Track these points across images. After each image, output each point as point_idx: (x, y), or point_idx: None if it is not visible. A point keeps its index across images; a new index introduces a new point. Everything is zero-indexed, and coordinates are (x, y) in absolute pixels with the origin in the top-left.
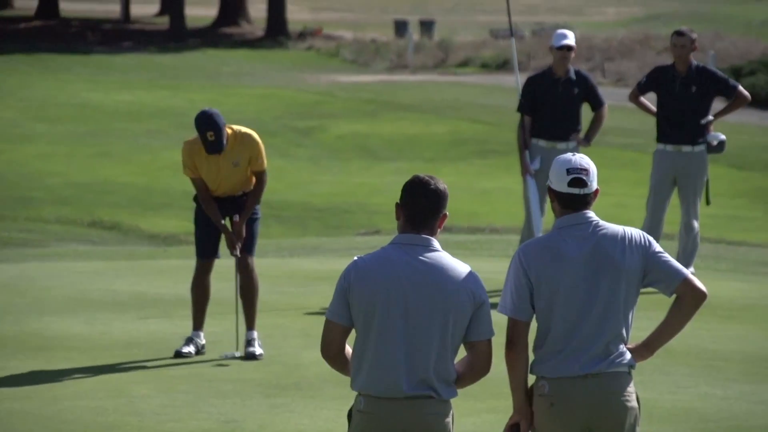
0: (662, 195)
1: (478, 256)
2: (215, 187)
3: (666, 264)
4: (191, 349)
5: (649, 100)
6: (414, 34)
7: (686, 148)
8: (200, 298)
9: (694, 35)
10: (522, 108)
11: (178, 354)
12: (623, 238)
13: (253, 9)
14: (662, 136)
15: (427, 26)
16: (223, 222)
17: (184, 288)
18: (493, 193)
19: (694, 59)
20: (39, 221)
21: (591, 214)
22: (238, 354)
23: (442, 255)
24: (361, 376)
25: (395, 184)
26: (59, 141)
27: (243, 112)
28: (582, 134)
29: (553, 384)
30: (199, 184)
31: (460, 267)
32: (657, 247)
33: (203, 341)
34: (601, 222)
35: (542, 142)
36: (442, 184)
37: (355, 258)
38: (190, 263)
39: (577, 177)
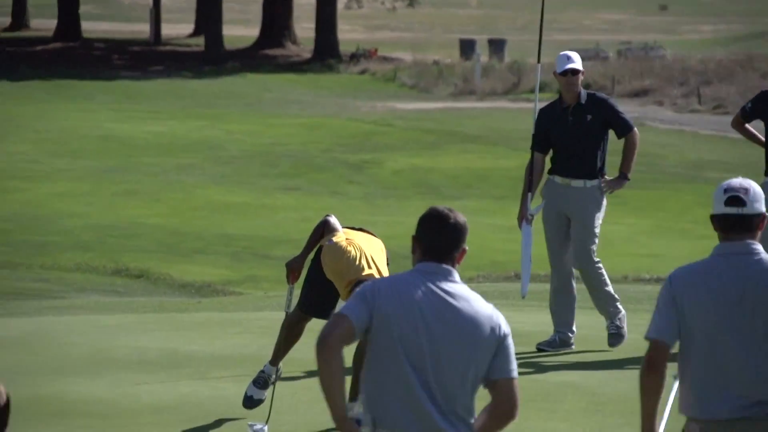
0: None
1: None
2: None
3: None
4: (263, 395)
5: (756, 128)
6: (482, 55)
7: None
8: (291, 338)
9: None
10: (533, 144)
11: (251, 403)
12: None
13: (299, 28)
14: None
15: (496, 46)
16: None
17: (221, 345)
18: None
19: None
20: (57, 269)
21: (756, 244)
22: (266, 429)
23: (463, 286)
24: (381, 406)
25: None
26: (80, 178)
27: (287, 145)
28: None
29: (705, 427)
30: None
31: (482, 300)
32: None
33: (281, 370)
34: (766, 255)
35: (557, 179)
36: (462, 218)
37: (376, 279)
38: (228, 316)
39: (735, 195)
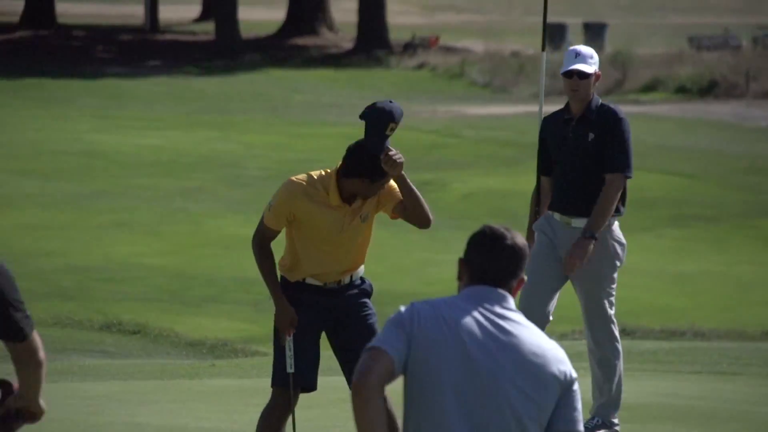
0: None
1: (674, 371)
2: (327, 257)
3: None
4: None
5: None
6: (575, 43)
7: None
8: None
9: None
10: (538, 165)
11: None
12: None
13: (337, 10)
14: None
15: (594, 32)
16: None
17: (241, 421)
18: (695, 279)
19: None
20: None
21: None
22: None
23: (520, 315)
24: None
25: None
26: (56, 206)
27: (323, 160)
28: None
29: None
30: (271, 235)
31: (546, 338)
32: None
33: None
34: None
35: (556, 216)
36: (521, 239)
37: (415, 302)
38: (249, 384)
39: None
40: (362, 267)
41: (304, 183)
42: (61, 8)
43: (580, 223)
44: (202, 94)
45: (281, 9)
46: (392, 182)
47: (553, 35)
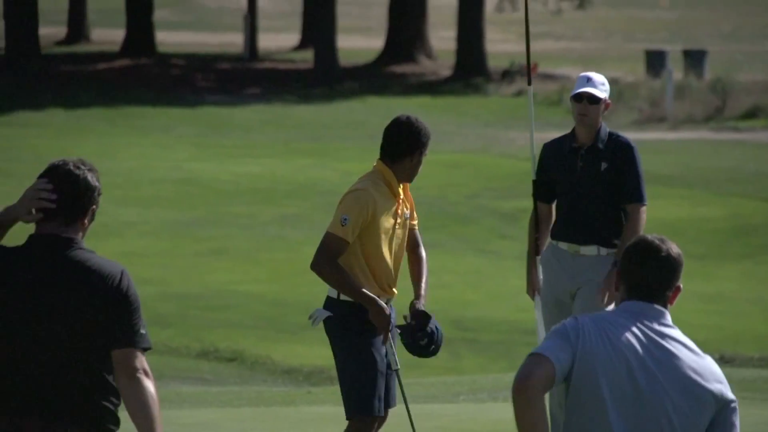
0: None
1: None
2: (388, 263)
3: None
4: None
5: None
6: (675, 70)
7: None
8: None
9: None
10: (534, 192)
11: None
12: None
13: (435, 38)
14: None
15: (695, 59)
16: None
17: None
18: None
19: None
20: None
21: None
22: None
23: (678, 332)
24: None
25: None
26: (154, 233)
27: (421, 188)
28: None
29: None
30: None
31: (700, 352)
32: None
33: None
34: None
35: (562, 245)
36: (676, 249)
37: (579, 316)
38: None
39: None
40: None
41: (368, 184)
42: (161, 37)
43: (589, 251)
44: (300, 121)
45: (380, 37)
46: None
47: (654, 62)
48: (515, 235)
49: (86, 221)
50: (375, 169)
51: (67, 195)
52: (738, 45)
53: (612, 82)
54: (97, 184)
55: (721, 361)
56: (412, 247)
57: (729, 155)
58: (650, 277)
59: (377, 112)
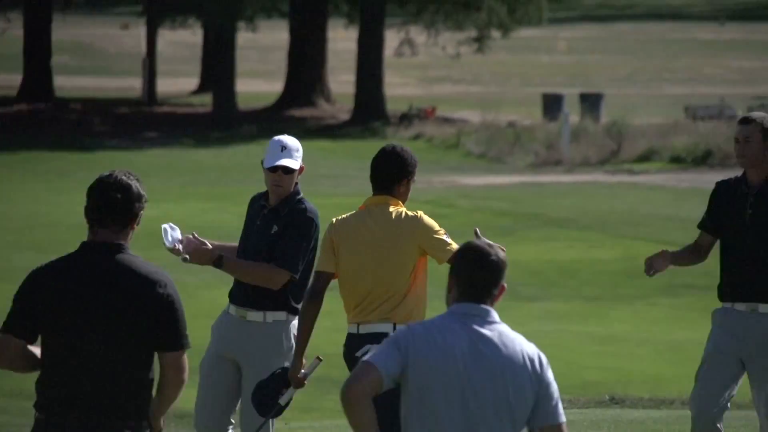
0: None
1: None
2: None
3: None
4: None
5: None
6: (572, 114)
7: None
8: None
9: None
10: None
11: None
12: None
13: (334, 82)
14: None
15: (591, 103)
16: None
17: None
18: (686, 348)
19: None
20: None
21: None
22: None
23: (504, 327)
24: None
25: (545, 335)
26: None
27: (320, 230)
28: None
29: None
30: (324, 283)
31: (525, 342)
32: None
33: None
34: None
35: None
36: (502, 253)
37: (410, 323)
38: None
39: None
40: None
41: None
42: (59, 81)
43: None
44: (198, 165)
45: (279, 81)
46: None
47: (550, 106)
48: None
49: (135, 227)
50: (387, 203)
51: (119, 203)
52: (634, 88)
53: (508, 126)
54: (143, 192)
55: (612, 402)
56: None
57: (624, 198)
58: (481, 279)
59: None
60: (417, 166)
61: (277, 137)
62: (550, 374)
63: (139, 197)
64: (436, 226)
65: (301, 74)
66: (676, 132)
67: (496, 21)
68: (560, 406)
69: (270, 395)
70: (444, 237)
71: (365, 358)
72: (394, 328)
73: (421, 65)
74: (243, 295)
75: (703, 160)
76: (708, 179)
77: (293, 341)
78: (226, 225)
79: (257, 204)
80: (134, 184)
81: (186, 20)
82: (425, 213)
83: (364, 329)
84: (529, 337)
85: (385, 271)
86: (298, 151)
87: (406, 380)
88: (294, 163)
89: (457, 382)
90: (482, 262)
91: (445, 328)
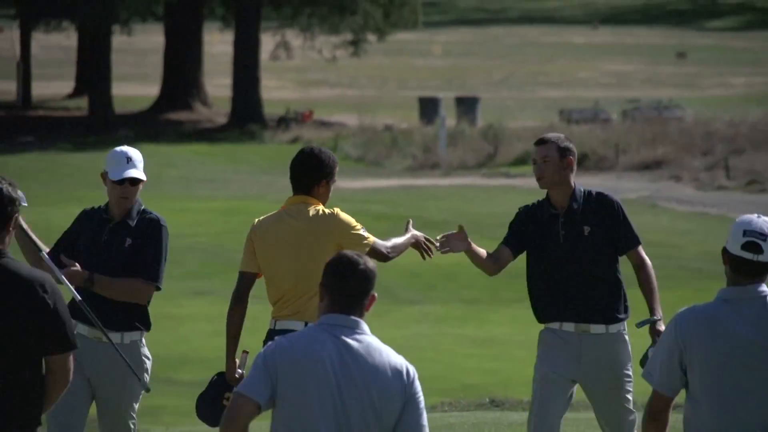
0: None
1: None
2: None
3: None
4: None
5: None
6: (448, 117)
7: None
8: None
9: (568, 142)
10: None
11: None
12: None
13: (211, 85)
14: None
15: (467, 106)
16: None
17: None
18: None
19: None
20: None
21: (762, 287)
22: None
23: (372, 340)
24: None
25: (424, 338)
26: None
27: (198, 235)
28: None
29: None
30: (248, 283)
31: (390, 353)
32: None
33: None
34: None
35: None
36: (371, 263)
37: (277, 338)
38: None
39: (753, 242)
40: None
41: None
42: None
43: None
44: (75, 169)
45: (155, 85)
46: None
47: (427, 109)
48: None
49: (11, 230)
50: (305, 203)
51: None
52: (509, 92)
53: (386, 129)
54: (16, 195)
55: (492, 404)
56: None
57: (501, 201)
58: (351, 290)
59: (153, 159)
60: (336, 167)
61: (119, 149)
62: (417, 386)
63: (11, 201)
64: (353, 222)
65: (178, 78)
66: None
67: (372, 24)
68: (424, 416)
69: (215, 403)
70: (361, 232)
71: (238, 388)
72: (305, 325)
73: (297, 69)
74: (98, 317)
75: (578, 163)
76: (584, 182)
77: (148, 357)
78: None
79: (96, 218)
80: (5, 187)
81: (60, 24)
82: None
83: (279, 325)
84: (409, 340)
85: (304, 268)
86: (141, 162)
87: (279, 396)
88: (141, 175)
89: (328, 393)
90: (351, 273)
91: (314, 339)
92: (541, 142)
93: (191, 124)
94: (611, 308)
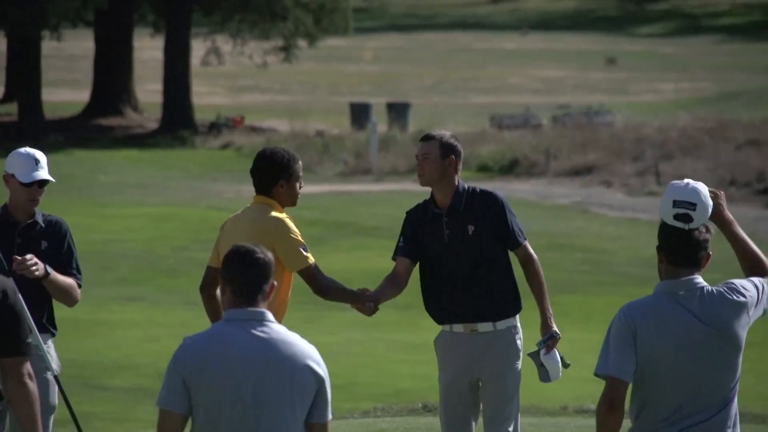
0: None
1: None
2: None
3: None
4: None
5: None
6: (380, 123)
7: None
8: None
9: (452, 140)
10: None
11: None
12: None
13: (141, 91)
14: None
15: (398, 112)
16: None
17: None
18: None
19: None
20: None
21: (699, 278)
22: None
23: (279, 329)
24: None
25: (357, 343)
26: None
27: (128, 241)
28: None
29: None
30: (210, 277)
31: (301, 341)
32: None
33: None
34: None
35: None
36: (269, 253)
37: (184, 339)
38: None
39: (684, 212)
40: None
41: (278, 214)
42: None
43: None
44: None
45: (86, 90)
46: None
47: (358, 115)
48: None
49: None
50: (262, 203)
51: None
52: (440, 98)
53: (317, 135)
54: None
55: (425, 410)
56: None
57: None
58: (250, 279)
59: (84, 165)
60: (293, 166)
61: (24, 150)
62: (326, 374)
63: None
64: (292, 233)
65: (108, 83)
66: (482, 141)
67: (303, 30)
68: (329, 405)
69: None
70: (297, 245)
71: (157, 402)
72: None
73: (228, 74)
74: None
75: (509, 168)
76: (515, 188)
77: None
78: None
79: (1, 221)
80: None
81: None
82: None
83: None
84: (342, 346)
85: None
86: (46, 164)
87: (193, 398)
88: (49, 176)
89: (242, 388)
90: (249, 263)
91: (222, 336)
92: (425, 138)
93: (122, 130)
94: (499, 305)
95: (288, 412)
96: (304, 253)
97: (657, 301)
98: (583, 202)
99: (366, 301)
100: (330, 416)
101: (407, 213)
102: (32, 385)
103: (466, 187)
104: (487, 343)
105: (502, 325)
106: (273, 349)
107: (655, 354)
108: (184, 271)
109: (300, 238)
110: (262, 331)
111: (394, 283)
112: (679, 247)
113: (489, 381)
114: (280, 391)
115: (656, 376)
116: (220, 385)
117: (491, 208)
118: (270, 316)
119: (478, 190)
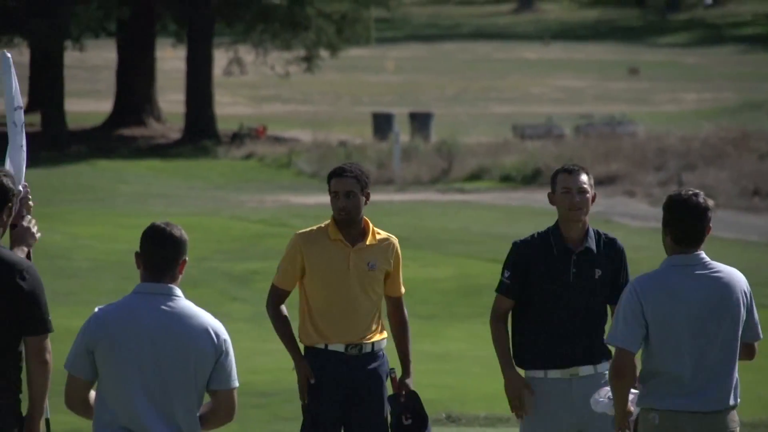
0: None
1: None
2: (340, 310)
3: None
4: None
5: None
6: (402, 133)
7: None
8: None
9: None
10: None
11: None
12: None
13: (164, 101)
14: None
15: (420, 122)
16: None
17: None
18: None
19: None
20: None
21: (704, 254)
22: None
23: (184, 303)
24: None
25: None
26: None
27: None
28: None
29: (664, 416)
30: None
31: (204, 315)
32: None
33: None
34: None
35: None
36: (178, 230)
37: (96, 309)
38: None
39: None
40: (384, 339)
41: (305, 230)
42: None
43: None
44: (28, 185)
45: (108, 100)
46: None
47: (381, 125)
48: (246, 297)
49: (4, 218)
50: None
51: None
52: (461, 108)
53: (339, 145)
54: (12, 186)
55: (448, 420)
56: (390, 312)
57: (455, 216)
58: (161, 256)
59: (106, 175)
60: (368, 182)
61: None
62: (229, 345)
63: (4, 191)
64: (284, 252)
65: (131, 93)
66: (505, 151)
67: (325, 40)
68: (234, 373)
69: (399, 427)
70: (277, 264)
71: (65, 365)
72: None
73: (250, 84)
74: None
75: (532, 178)
76: (538, 198)
77: None
78: (56, 245)
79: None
80: (2, 179)
81: (12, 40)
82: (259, 234)
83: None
84: None
85: None
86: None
87: (98, 367)
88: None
89: (145, 361)
90: (161, 240)
91: (129, 309)
92: (575, 172)
93: (145, 140)
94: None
95: (189, 378)
96: (277, 270)
97: (667, 274)
98: (606, 212)
99: (303, 372)
100: (236, 383)
101: (517, 244)
102: (51, 362)
103: (590, 227)
104: (589, 390)
105: (601, 368)
106: (177, 321)
107: (665, 325)
108: (206, 281)
109: (282, 258)
110: (168, 306)
111: (505, 325)
112: (689, 227)
113: (595, 423)
114: (182, 359)
115: (664, 345)
116: (125, 354)
117: (618, 255)
118: (178, 291)
119: (602, 233)
